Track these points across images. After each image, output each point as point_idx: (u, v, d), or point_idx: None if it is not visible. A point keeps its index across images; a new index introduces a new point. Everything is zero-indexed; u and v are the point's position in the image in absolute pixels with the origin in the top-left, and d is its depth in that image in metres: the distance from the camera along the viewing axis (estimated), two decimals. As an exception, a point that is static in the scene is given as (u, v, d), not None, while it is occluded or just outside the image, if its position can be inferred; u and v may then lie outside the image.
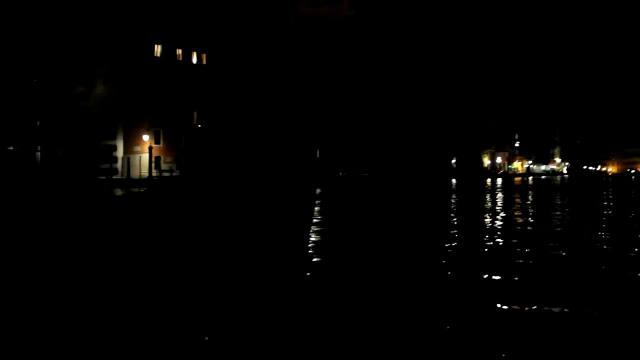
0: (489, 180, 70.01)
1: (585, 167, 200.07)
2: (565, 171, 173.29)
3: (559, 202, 20.75)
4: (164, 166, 56.52)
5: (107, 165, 50.55)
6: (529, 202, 21.29)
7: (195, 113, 61.63)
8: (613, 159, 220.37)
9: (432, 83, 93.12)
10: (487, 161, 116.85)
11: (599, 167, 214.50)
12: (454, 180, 63.02)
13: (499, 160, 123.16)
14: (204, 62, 62.30)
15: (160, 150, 57.27)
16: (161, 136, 57.78)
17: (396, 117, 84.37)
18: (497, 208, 17.39)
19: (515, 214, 15.57)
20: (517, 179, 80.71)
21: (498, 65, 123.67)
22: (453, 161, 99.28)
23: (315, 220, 12.89)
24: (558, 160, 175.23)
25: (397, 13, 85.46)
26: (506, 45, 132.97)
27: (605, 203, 20.13)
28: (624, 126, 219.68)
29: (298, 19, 68.31)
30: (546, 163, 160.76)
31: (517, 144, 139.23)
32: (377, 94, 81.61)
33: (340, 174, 67.14)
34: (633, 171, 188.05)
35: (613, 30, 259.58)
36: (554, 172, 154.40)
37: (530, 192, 30.90)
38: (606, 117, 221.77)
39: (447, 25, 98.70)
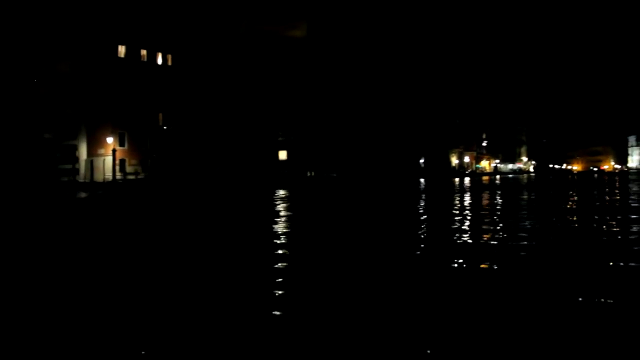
0: (457, 179, 70.47)
1: (551, 165, 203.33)
2: (532, 169, 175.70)
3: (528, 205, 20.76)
4: (129, 169, 55.46)
5: (69, 166, 49.41)
6: (497, 203, 21.27)
7: (160, 115, 60.65)
8: (578, 157, 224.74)
9: (401, 83, 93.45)
10: (455, 160, 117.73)
11: (564, 165, 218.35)
12: (422, 180, 63.25)
13: (466, 159, 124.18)
14: (170, 63, 61.37)
15: (125, 152, 56.22)
16: (126, 138, 56.70)
17: (365, 117, 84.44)
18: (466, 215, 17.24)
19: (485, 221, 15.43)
20: (485, 178, 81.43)
21: (465, 65, 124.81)
22: (421, 161, 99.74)
23: (280, 226, 12.60)
24: (525, 159, 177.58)
25: (362, 15, 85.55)
26: (473, 46, 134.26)
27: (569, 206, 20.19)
28: (588, 125, 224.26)
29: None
30: (513, 162, 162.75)
31: (484, 143, 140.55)
32: (346, 94, 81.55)
33: (309, 174, 66.79)
34: (595, 169, 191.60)
35: (578, 31, 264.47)
36: (520, 171, 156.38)
37: (499, 192, 30.97)
38: (571, 116, 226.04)
39: (414, 26, 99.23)
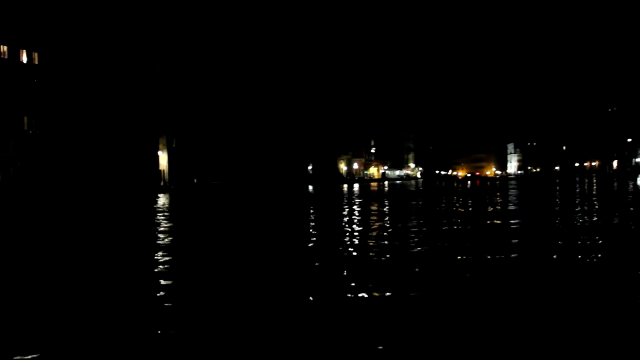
0: (345, 186, 69.93)
1: (437, 171, 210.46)
2: (419, 176, 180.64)
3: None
4: (-14, 177, 50.29)
5: None
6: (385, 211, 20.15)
7: (25, 118, 55.49)
8: (462, 164, 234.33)
9: (288, 89, 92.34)
10: (343, 167, 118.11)
11: (450, 172, 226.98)
12: (310, 187, 62.15)
13: (355, 166, 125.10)
14: (36, 62, 56.32)
15: (-18, 159, 50.90)
16: (-18, 144, 51.38)
17: (250, 123, 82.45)
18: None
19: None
20: (373, 184, 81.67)
21: (353, 72, 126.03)
22: (309, 167, 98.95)
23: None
24: (412, 165, 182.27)
25: (252, 15, 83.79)
26: (362, 53, 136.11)
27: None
28: (472, 133, 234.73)
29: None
30: (401, 168, 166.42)
31: (373, 150, 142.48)
32: (231, 99, 79.22)
33: (195, 181, 63.89)
34: (469, 175, 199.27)
35: (461, 41, 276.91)
36: (408, 177, 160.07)
37: (386, 200, 30.04)
38: (456, 124, 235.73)
39: (302, 29, 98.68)
